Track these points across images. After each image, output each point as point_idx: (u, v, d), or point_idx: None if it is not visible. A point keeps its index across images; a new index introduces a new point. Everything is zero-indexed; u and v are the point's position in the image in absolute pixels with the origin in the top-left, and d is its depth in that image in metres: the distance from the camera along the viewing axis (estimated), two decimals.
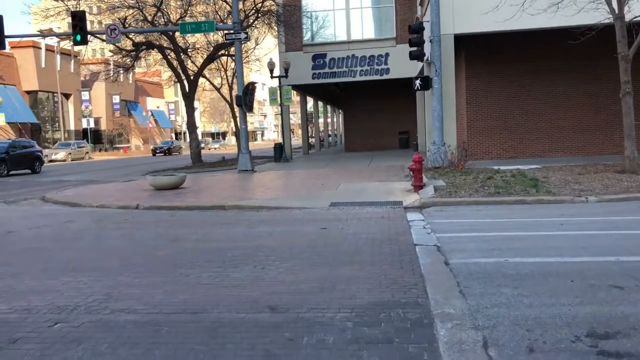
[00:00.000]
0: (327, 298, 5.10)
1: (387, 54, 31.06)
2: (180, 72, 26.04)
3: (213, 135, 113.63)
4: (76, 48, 63.17)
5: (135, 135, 79.20)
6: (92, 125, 63.29)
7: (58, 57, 59.50)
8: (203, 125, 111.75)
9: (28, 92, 57.77)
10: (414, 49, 16.66)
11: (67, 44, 59.19)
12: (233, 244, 7.94)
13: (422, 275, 5.80)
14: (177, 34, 28.56)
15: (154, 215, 11.52)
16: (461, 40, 18.83)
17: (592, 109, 20.27)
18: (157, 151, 56.85)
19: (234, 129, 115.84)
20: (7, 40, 23.39)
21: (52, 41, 57.77)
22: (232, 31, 21.08)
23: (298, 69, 30.63)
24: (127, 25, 22.83)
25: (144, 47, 25.26)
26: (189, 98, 25.52)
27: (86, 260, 7.14)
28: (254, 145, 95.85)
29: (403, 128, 36.68)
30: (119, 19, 22.84)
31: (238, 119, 22.93)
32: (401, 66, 30.59)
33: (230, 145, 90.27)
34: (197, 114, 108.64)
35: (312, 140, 50.23)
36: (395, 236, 8.12)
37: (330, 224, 9.48)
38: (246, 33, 21.03)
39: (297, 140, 74.13)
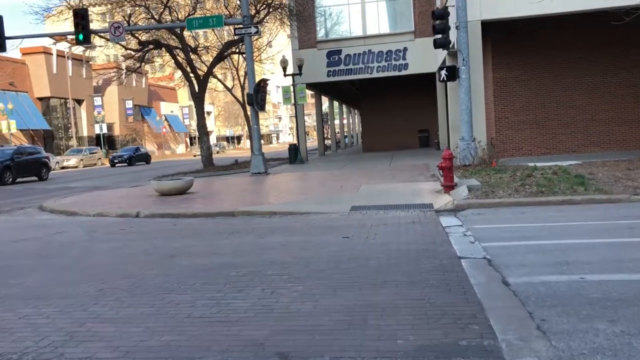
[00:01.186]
0: (357, 339, 3.78)
1: (405, 49, 29.69)
2: (190, 72, 24.88)
3: (228, 139, 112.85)
4: (88, 53, 62.78)
5: (150, 140, 78.55)
6: (105, 130, 62.58)
7: (69, 62, 58.92)
8: (218, 129, 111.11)
9: (40, 99, 57.28)
10: (439, 36, 15.30)
11: (78, 50, 58.77)
12: (239, 258, 6.67)
13: (479, 302, 4.45)
14: (186, 32, 27.51)
15: (154, 224, 10.30)
16: (488, 27, 17.41)
17: (632, 100, 18.69)
18: (116, 161, 45.49)
19: (248, 132, 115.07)
20: (18, 47, 22.47)
21: (64, 46, 57.19)
22: (241, 25, 19.88)
23: (312, 67, 29.40)
24: (132, 23, 21.73)
25: (151, 46, 24.15)
26: (198, 99, 24.36)
27: (59, 284, 5.89)
28: (269, 148, 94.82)
29: (423, 126, 35.23)
30: (123, 17, 21.74)
31: (250, 119, 21.68)
32: (420, 61, 29.25)
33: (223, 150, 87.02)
34: (211, 117, 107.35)
35: (328, 141, 49.00)
36: (433, 247, 6.77)
37: (353, 231, 8.17)
38: (256, 27, 19.81)
39: (312, 142, 72.91)
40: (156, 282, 5.70)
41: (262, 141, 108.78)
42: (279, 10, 25.20)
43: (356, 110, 57.87)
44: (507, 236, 7.25)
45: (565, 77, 19.23)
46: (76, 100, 62.28)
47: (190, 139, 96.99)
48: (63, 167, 46.26)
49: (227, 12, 26.33)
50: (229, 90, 30.86)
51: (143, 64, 25.69)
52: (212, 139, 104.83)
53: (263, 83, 20.57)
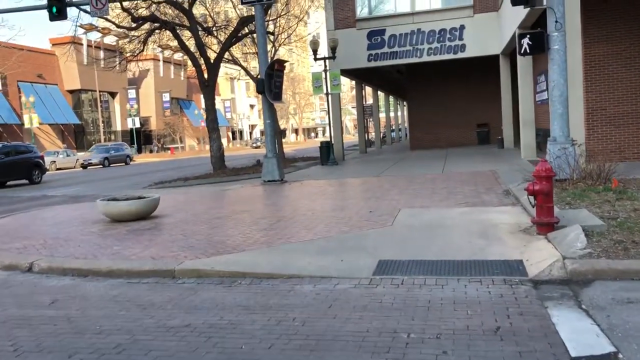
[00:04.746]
0: None
1: (462, 27, 24.60)
2: (198, 56, 20.57)
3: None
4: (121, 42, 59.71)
5: (189, 134, 75.37)
6: (137, 125, 59.47)
7: (101, 53, 55.79)
8: (262, 122, 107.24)
9: (70, 92, 54.64)
10: None
11: (110, 40, 55.60)
12: None
13: None
14: (197, 9, 23.32)
15: (25, 296, 5.91)
16: None
17: None
18: None
19: (293, 126, 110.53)
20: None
21: (95, 37, 54.13)
22: None
23: (350, 50, 24.72)
24: None
25: (151, 24, 19.93)
26: (207, 87, 20.00)
27: None
28: (313, 142, 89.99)
29: (482, 119, 29.89)
30: None
31: (262, 111, 17.19)
32: (481, 41, 24.15)
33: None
34: (255, 110, 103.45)
35: (372, 135, 44.13)
36: None
37: None
38: None
39: (355, 137, 67.81)
40: None
41: (313, 134, 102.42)
42: None
43: (404, 102, 52.73)
44: None
45: None
46: (109, 93, 59.51)
47: (232, 133, 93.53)
48: (86, 165, 43.05)
49: None
50: (253, 78, 26.32)
51: (145, 47, 21.46)
52: (256, 133, 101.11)
53: (278, 65, 15.99)
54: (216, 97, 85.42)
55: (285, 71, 17.06)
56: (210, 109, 20.26)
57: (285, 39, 26.55)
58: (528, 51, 10.21)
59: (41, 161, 23.87)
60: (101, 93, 57.33)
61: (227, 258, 6.73)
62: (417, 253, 6.54)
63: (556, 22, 9.88)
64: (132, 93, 61.27)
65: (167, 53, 67.26)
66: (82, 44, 54.13)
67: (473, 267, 5.88)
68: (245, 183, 16.56)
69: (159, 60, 67.21)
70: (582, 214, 7.29)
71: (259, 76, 16.37)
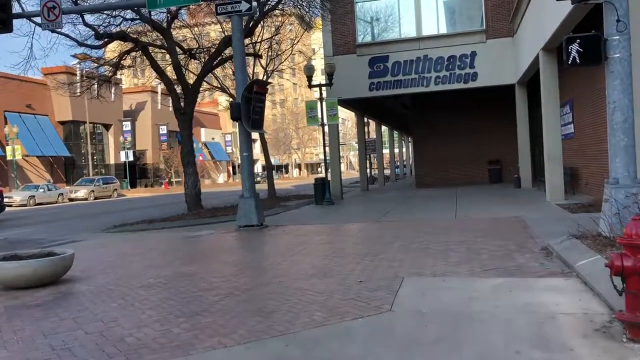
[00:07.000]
0: None
1: (473, 54, 22.22)
2: (174, 80, 18.11)
3: (275, 169, 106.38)
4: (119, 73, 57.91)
5: None
6: (130, 158, 57.06)
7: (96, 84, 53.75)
8: (262, 157, 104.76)
9: (62, 123, 52.40)
10: None
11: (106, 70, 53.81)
12: None
13: None
14: (179, 30, 20.98)
15: None
16: None
17: None
18: None
19: (296, 161, 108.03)
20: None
21: (89, 67, 52.12)
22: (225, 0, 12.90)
23: (350, 78, 22.30)
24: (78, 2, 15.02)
25: (121, 43, 17.56)
26: (184, 115, 17.42)
27: None
28: (316, 177, 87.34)
29: (494, 156, 27.11)
30: None
31: (238, 141, 14.52)
32: (493, 69, 21.74)
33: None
34: (257, 144, 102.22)
35: (375, 172, 41.56)
36: None
37: None
38: (249, 2, 12.72)
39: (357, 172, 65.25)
40: None
41: (319, 169, 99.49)
42: None
43: (409, 138, 50.21)
44: None
45: None
46: (103, 125, 57.33)
47: (233, 167, 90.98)
48: (71, 199, 40.62)
49: None
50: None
51: (118, 70, 19.05)
52: (257, 168, 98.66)
53: (258, 87, 13.38)
54: (217, 130, 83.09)
55: (267, 95, 14.47)
56: (186, 139, 17.63)
57: (280, 64, 24.10)
58: (578, 61, 7.51)
59: None
60: (95, 125, 55.20)
61: None
62: None
63: (618, 21, 7.21)
64: (127, 125, 59.08)
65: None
66: (75, 74, 52.04)
67: None
68: (219, 228, 13.75)
69: (157, 92, 65.33)
70: None
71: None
